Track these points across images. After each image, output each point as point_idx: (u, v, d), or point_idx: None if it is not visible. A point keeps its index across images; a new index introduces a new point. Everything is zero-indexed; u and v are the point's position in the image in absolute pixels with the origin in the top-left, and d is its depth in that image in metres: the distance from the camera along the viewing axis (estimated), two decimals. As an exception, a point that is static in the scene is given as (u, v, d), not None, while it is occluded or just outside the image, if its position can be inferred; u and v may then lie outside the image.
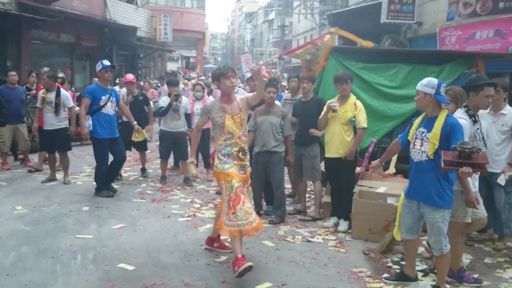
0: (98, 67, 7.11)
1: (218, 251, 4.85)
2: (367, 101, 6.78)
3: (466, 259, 4.84)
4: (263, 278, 4.29)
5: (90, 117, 7.04)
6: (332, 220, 5.95)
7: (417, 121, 4.12)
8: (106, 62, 7.19)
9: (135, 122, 7.53)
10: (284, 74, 25.67)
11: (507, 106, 5.36)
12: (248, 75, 6.53)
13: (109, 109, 7.10)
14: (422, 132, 3.97)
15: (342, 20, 16.77)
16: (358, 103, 5.89)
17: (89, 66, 18.48)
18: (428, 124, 3.95)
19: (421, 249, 5.09)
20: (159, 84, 16.46)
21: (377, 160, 4.71)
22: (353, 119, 5.81)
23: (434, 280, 4.28)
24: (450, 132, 3.77)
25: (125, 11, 20.38)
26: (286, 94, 7.39)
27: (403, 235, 4.20)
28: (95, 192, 7.12)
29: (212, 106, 4.49)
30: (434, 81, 3.94)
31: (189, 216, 6.21)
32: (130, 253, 4.86)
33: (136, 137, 7.67)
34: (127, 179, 8.38)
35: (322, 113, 5.88)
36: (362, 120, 5.81)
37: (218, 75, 4.41)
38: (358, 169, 6.15)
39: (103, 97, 7.05)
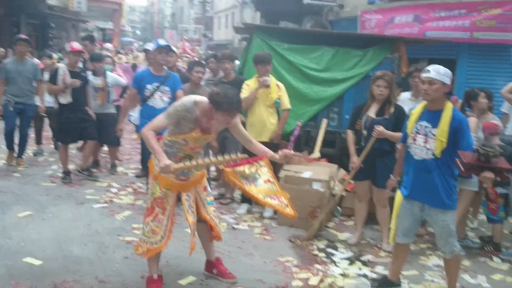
0: (153, 47, 5.87)
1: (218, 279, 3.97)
2: (292, 83, 6.66)
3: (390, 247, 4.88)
4: (186, 271, 4.04)
5: (139, 109, 6.03)
6: (245, 207, 5.82)
7: (416, 113, 3.76)
8: (161, 42, 5.91)
9: None
10: (209, 52, 25.22)
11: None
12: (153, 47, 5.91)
13: (157, 100, 5.66)
14: (426, 127, 3.61)
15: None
16: (280, 84, 5.78)
17: (-7, 34, 16.98)
18: (432, 118, 3.59)
19: (346, 235, 5.09)
20: (61, 56, 12.95)
21: (392, 176, 4.19)
22: (278, 100, 5.68)
23: (360, 269, 4.27)
24: (458, 128, 3.51)
25: (34, -24, 18.84)
26: (207, 74, 7.10)
27: (399, 239, 3.86)
28: None
29: (189, 112, 3.39)
30: (449, 71, 3.63)
31: (105, 202, 5.77)
32: (38, 245, 4.40)
33: None
34: (36, 160, 7.71)
35: (247, 91, 5.63)
36: (287, 101, 5.74)
37: (222, 107, 3.33)
38: (283, 153, 6.05)
39: (149, 86, 5.68)
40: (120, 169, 7.35)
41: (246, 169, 3.54)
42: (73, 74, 6.51)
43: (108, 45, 20.82)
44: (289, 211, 3.61)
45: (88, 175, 6.71)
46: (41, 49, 13.26)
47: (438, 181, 3.56)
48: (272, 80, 5.68)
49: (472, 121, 4.96)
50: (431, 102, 3.62)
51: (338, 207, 5.78)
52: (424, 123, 3.64)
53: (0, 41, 16.86)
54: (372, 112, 4.84)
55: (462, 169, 3.34)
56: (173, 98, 5.64)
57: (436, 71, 3.56)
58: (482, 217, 5.75)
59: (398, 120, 4.64)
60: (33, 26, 20.13)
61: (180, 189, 3.65)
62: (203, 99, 3.50)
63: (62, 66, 6.65)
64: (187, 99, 3.48)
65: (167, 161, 3.27)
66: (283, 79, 6.50)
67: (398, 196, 3.84)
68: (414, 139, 3.69)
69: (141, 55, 13.78)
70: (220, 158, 3.48)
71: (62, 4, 22.62)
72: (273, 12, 16.73)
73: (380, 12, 10.95)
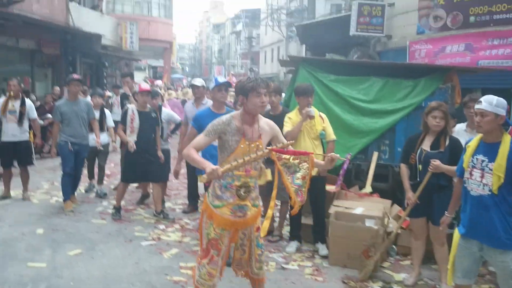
0: (211, 84, 5.58)
1: None
2: (340, 115, 6.55)
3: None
4: (235, 313, 3.90)
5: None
6: (294, 245, 5.61)
7: (472, 145, 3.56)
8: (220, 79, 5.56)
9: None
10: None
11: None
12: (212, 85, 5.70)
13: None
14: (482, 161, 3.39)
15: (310, 32, 16.68)
16: (323, 115, 5.64)
17: (51, 74, 17.71)
18: (489, 151, 3.37)
19: (402, 276, 4.80)
20: (111, 94, 13.03)
21: (446, 212, 3.98)
22: (323, 132, 5.53)
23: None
24: None
25: (89, 18, 19.72)
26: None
27: (458, 280, 3.57)
28: None
29: (227, 124, 3.39)
30: (504, 100, 3.43)
31: (153, 240, 5.75)
32: (87, 284, 4.39)
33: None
34: (87, 196, 7.84)
35: (290, 124, 5.50)
36: (332, 132, 5.58)
37: (248, 89, 3.35)
38: (333, 188, 5.87)
39: None
40: (167, 204, 7.33)
41: (290, 158, 3.41)
42: (142, 114, 6.54)
43: (159, 82, 21.40)
44: (296, 208, 3.49)
45: (164, 216, 6.63)
46: (95, 87, 13.78)
47: (496, 219, 3.31)
48: (315, 111, 5.55)
49: None
50: (486, 134, 3.42)
51: (393, 246, 5.50)
52: (481, 157, 3.42)
53: (56, 80, 17.65)
54: (426, 145, 4.62)
55: None
56: None
57: (488, 102, 3.36)
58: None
59: (454, 153, 4.41)
60: (88, 65, 20.97)
61: (237, 227, 3.48)
62: (237, 111, 3.52)
63: (131, 107, 6.65)
64: (224, 116, 3.49)
65: (213, 166, 3.16)
66: (331, 111, 6.39)
67: (456, 234, 3.60)
68: (471, 174, 3.46)
69: (191, 91, 14.01)
70: (267, 148, 3.36)
71: (115, 44, 23.57)
72: (318, 45, 16.74)
73: (430, 42, 10.75)
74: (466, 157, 3.53)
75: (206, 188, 4.15)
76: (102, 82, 21.12)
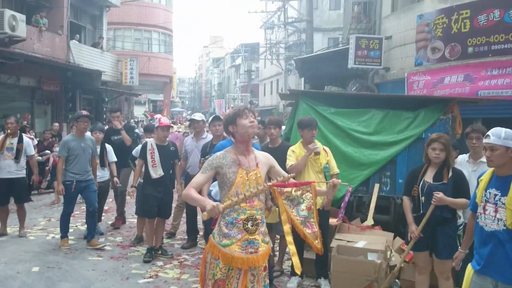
0: None
1: None
2: (341, 147, 6.49)
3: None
4: None
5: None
6: (295, 281, 5.46)
7: (485, 179, 3.42)
8: None
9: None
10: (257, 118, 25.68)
11: (487, 153, 5.09)
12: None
13: None
14: (495, 195, 3.22)
15: (309, 65, 16.83)
16: (327, 148, 5.60)
17: (50, 110, 17.84)
18: (502, 184, 3.21)
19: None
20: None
21: (459, 248, 3.87)
22: (327, 165, 5.47)
23: None
24: None
25: (89, 55, 19.95)
26: (254, 140, 6.99)
27: None
28: None
29: (222, 158, 3.31)
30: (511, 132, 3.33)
31: (150, 277, 5.59)
32: (81, 325, 4.25)
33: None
34: (84, 233, 7.68)
35: (294, 158, 5.44)
36: (335, 165, 5.53)
37: (233, 116, 3.37)
38: (335, 221, 5.77)
39: None
40: (166, 240, 7.19)
41: (292, 191, 3.32)
42: (161, 148, 6.43)
43: (159, 116, 21.50)
44: (317, 243, 3.35)
45: (162, 253, 6.46)
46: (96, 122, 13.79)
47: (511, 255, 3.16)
48: (319, 146, 5.51)
49: None
50: (498, 168, 3.30)
51: (397, 280, 5.36)
52: (493, 191, 3.28)
53: (56, 116, 17.72)
54: (429, 177, 4.53)
55: None
56: None
57: (497, 136, 3.24)
58: None
59: (458, 184, 4.34)
60: (88, 101, 21.08)
61: (248, 265, 3.21)
62: (230, 146, 3.48)
63: (150, 141, 6.53)
64: (218, 152, 3.44)
65: (213, 203, 3.03)
66: (331, 144, 6.34)
67: (468, 270, 3.43)
68: (484, 209, 3.31)
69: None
70: (268, 184, 3.26)
71: (115, 79, 23.74)
72: (317, 78, 16.86)
73: (428, 73, 10.79)
74: (479, 191, 3.39)
75: (206, 225, 3.99)
76: (101, 117, 21.20)
